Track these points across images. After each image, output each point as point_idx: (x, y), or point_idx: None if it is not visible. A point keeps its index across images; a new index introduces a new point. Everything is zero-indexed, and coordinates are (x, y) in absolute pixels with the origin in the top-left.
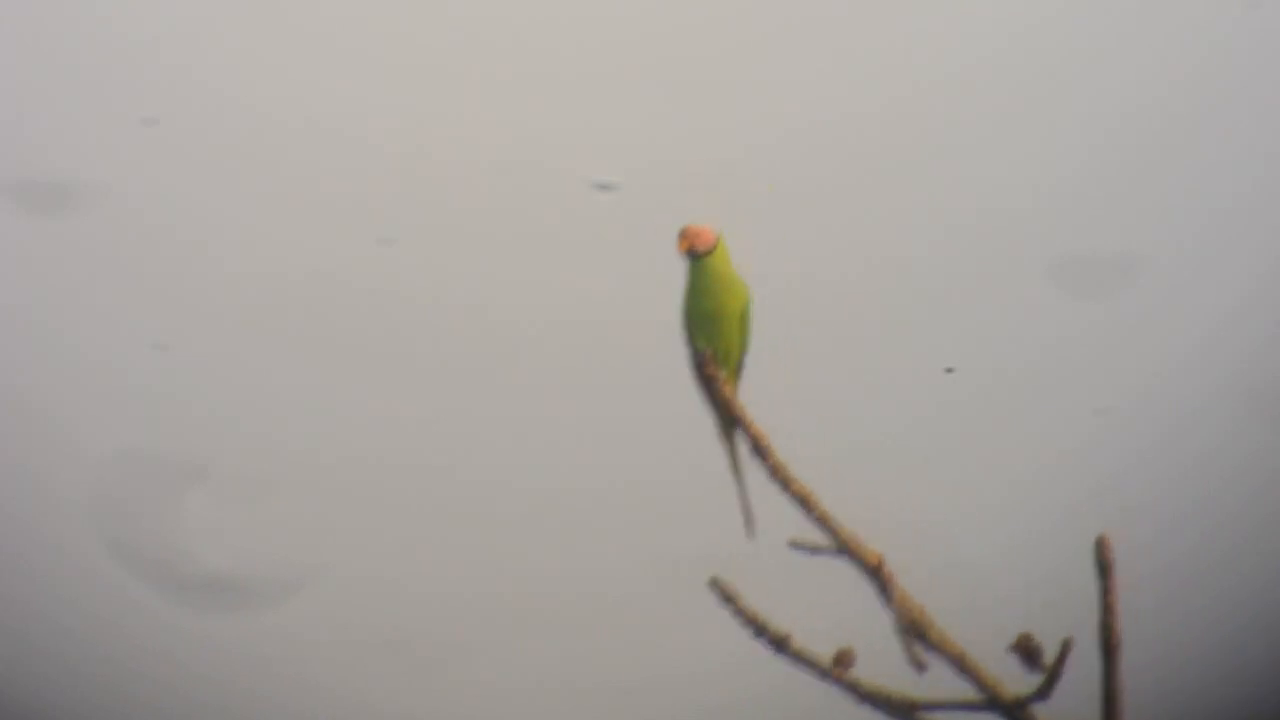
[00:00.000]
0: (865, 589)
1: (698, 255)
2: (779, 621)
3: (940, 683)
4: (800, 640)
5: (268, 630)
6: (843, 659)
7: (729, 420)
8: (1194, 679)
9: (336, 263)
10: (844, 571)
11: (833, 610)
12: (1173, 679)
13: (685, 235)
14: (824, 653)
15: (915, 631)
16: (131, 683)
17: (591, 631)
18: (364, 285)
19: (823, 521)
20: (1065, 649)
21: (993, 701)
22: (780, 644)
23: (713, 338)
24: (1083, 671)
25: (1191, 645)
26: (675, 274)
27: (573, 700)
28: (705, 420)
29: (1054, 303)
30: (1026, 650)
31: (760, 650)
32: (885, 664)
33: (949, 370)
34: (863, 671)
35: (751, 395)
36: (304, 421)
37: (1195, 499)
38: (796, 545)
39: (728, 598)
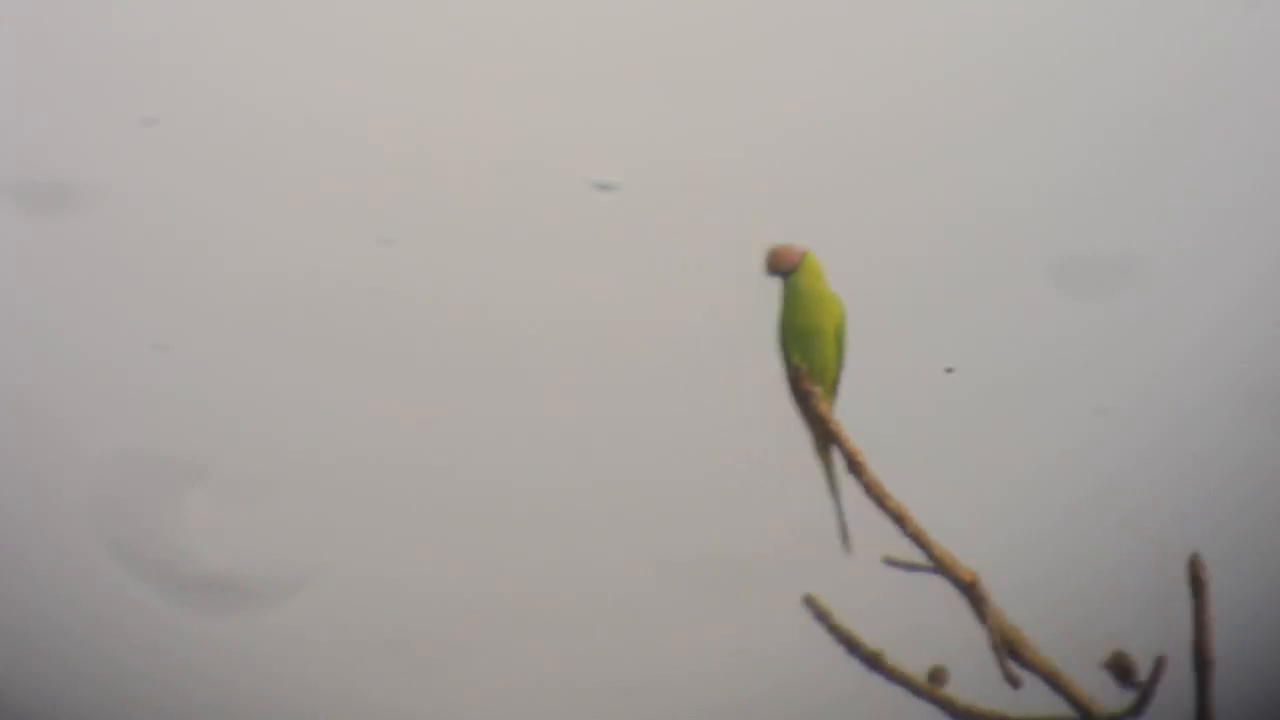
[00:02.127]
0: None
1: (780, 274)
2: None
3: (1031, 698)
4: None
5: (268, 630)
6: (936, 676)
7: (825, 437)
8: (1193, 679)
9: (336, 263)
10: (847, 572)
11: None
12: (1173, 679)
13: (770, 257)
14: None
15: (1009, 648)
16: (131, 683)
17: (591, 631)
18: (364, 285)
19: (917, 538)
20: (1159, 667)
21: (1086, 718)
22: (873, 661)
23: (807, 353)
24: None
25: (1190, 645)
26: (675, 274)
27: (573, 700)
28: (706, 420)
29: (1054, 303)
30: (1120, 667)
31: (758, 651)
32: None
33: (949, 370)
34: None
35: (752, 395)
36: (304, 421)
37: (1195, 499)
38: (891, 562)
39: (821, 614)
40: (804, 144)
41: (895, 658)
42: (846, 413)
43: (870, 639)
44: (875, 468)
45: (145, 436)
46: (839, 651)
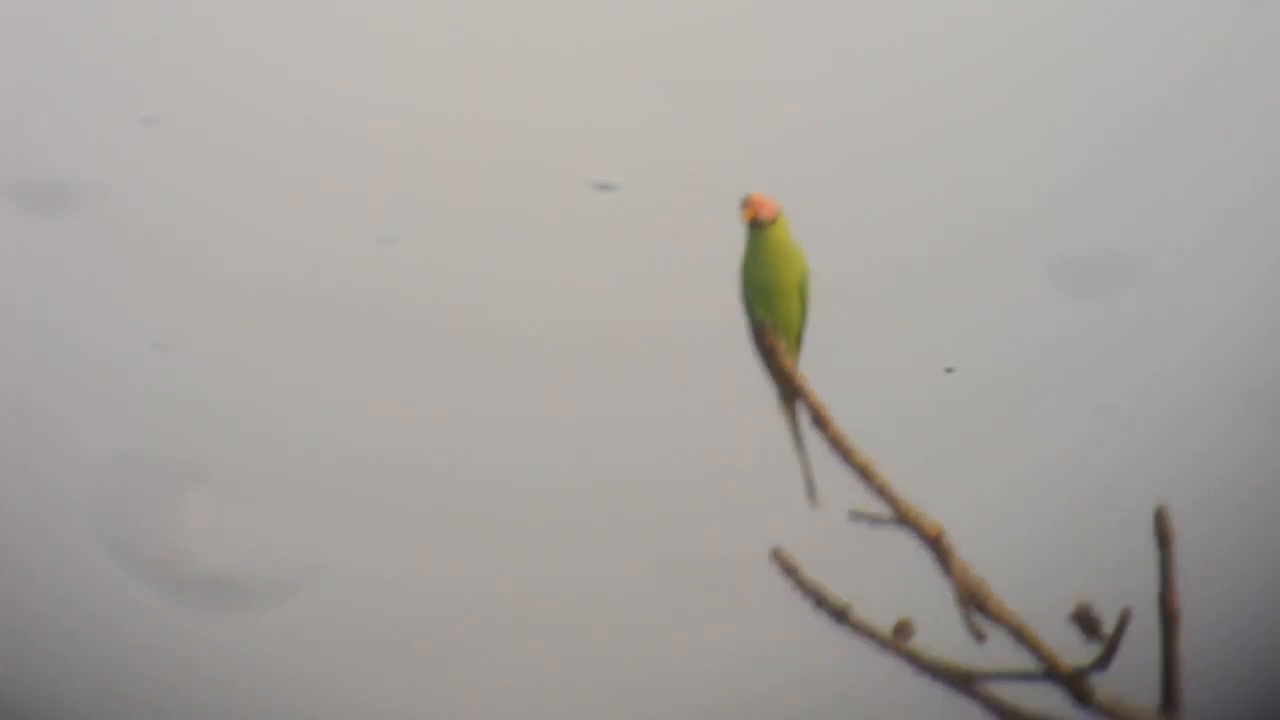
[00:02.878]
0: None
1: (761, 224)
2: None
3: (997, 653)
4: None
5: (268, 630)
6: (902, 630)
7: (789, 391)
8: (1192, 679)
9: (336, 263)
10: (851, 556)
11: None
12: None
13: (749, 204)
14: (880, 623)
15: (974, 602)
16: (131, 683)
17: (591, 631)
18: (364, 285)
19: (882, 492)
20: (1124, 619)
21: (1051, 672)
22: (840, 615)
23: (772, 309)
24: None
25: (1190, 645)
26: (675, 274)
27: (573, 700)
28: (706, 420)
29: (1054, 303)
30: (1085, 621)
31: (758, 651)
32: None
33: (949, 370)
34: (919, 640)
35: (751, 395)
36: (304, 421)
37: (1195, 499)
38: (856, 516)
39: (788, 569)
40: (804, 144)
41: (863, 612)
42: (846, 412)
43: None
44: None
45: (145, 436)
46: (838, 652)
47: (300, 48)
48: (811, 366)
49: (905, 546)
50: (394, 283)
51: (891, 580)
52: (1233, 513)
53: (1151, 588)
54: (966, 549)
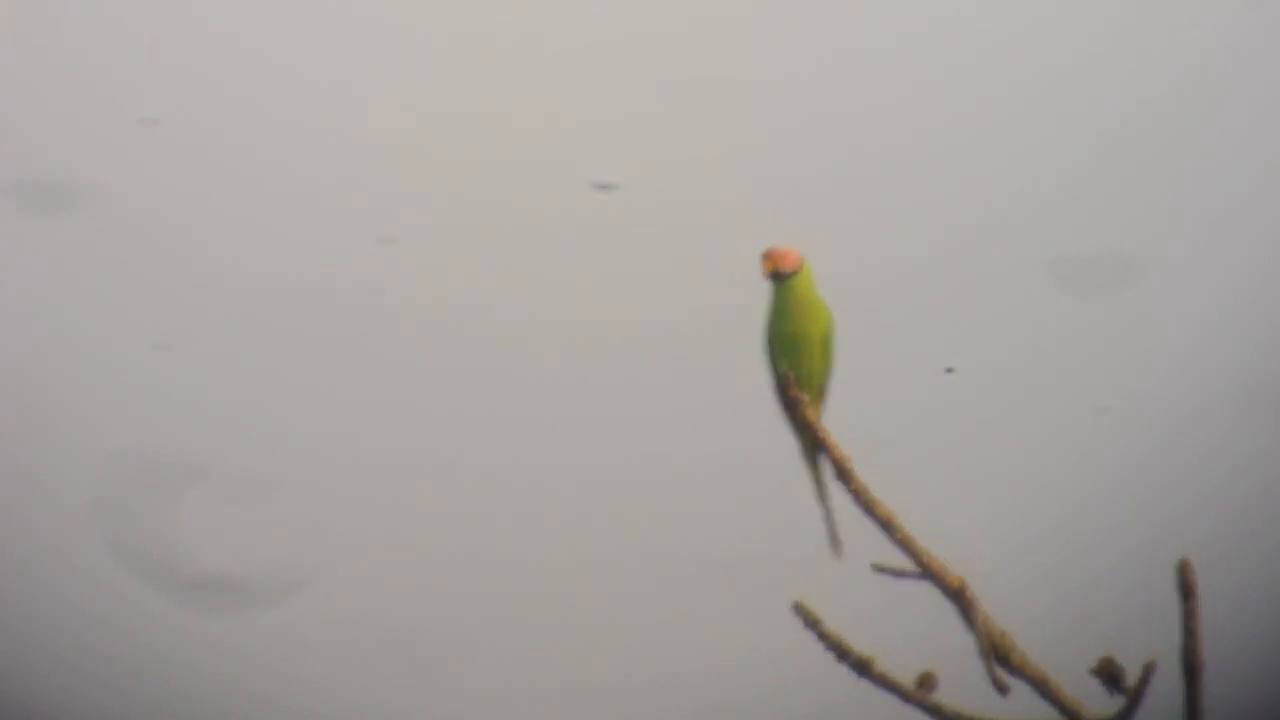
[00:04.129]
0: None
1: (782, 277)
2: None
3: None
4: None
5: (268, 630)
6: (925, 682)
7: (812, 444)
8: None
9: (336, 262)
10: (848, 575)
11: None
12: (1172, 678)
13: (770, 257)
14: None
15: (997, 655)
16: (131, 683)
17: (591, 631)
18: (364, 285)
19: (905, 545)
20: (1148, 672)
21: None
22: (863, 668)
23: (795, 361)
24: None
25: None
26: (675, 274)
27: (573, 700)
28: (706, 420)
29: (1054, 303)
30: (1108, 673)
31: (759, 651)
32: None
33: (949, 370)
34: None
35: (752, 395)
36: (304, 421)
37: (1194, 499)
38: (880, 569)
39: (810, 622)
40: (804, 144)
41: (885, 664)
42: (846, 412)
43: (863, 645)
44: (875, 468)
45: (145, 436)
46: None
47: (300, 47)
48: None
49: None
50: (394, 282)
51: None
52: (1232, 513)
53: (1152, 587)
54: (966, 549)
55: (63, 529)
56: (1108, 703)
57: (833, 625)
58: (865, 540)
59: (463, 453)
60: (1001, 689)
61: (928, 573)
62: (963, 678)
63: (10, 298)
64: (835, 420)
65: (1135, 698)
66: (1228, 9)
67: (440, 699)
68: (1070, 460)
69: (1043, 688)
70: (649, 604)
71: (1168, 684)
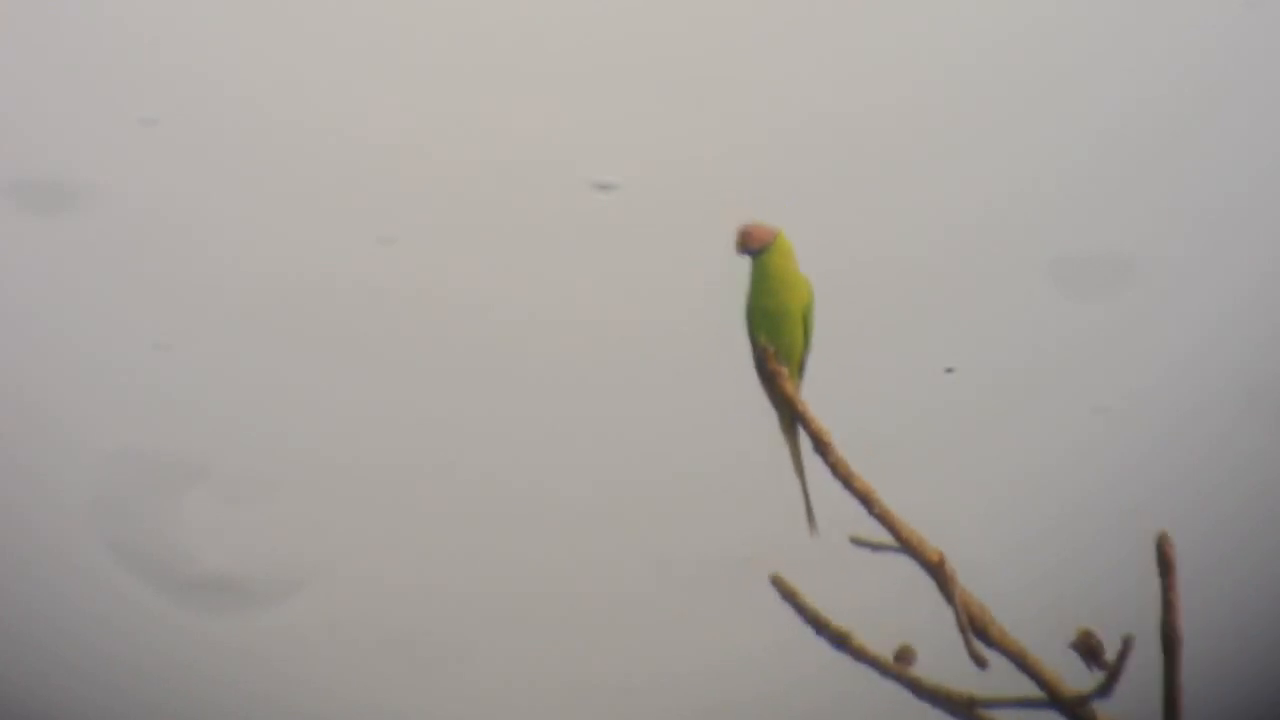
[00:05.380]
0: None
1: (753, 253)
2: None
3: (999, 679)
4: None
5: (268, 630)
6: (903, 656)
7: (791, 417)
8: (1192, 677)
9: (336, 262)
10: (848, 565)
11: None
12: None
13: (739, 234)
14: (880, 648)
15: (976, 629)
16: (131, 683)
17: (591, 631)
18: (364, 285)
19: (884, 519)
20: (1127, 646)
21: (1053, 699)
22: (841, 640)
23: (774, 335)
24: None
25: (1191, 645)
26: (675, 274)
27: (573, 700)
28: (706, 420)
29: (1054, 303)
30: (1087, 648)
31: (759, 651)
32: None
33: (949, 370)
34: (921, 667)
35: (752, 395)
36: (304, 421)
37: (1195, 499)
38: (858, 542)
39: (788, 594)
40: (804, 144)
41: (881, 646)
42: (846, 412)
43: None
44: (875, 468)
45: (145, 436)
46: (838, 652)
47: (300, 47)
48: (812, 367)
49: (908, 570)
50: (394, 282)
51: (892, 603)
52: (1233, 513)
53: (1150, 588)
54: (965, 548)
55: (63, 529)
56: (1089, 679)
57: (839, 619)
58: (871, 524)
59: (463, 453)
60: (980, 663)
61: (906, 547)
62: (943, 653)
63: (10, 298)
64: (835, 420)
65: (1114, 672)
66: (1228, 9)
67: (440, 699)
68: (1070, 460)
69: (1021, 662)
70: (649, 604)
71: (1148, 662)
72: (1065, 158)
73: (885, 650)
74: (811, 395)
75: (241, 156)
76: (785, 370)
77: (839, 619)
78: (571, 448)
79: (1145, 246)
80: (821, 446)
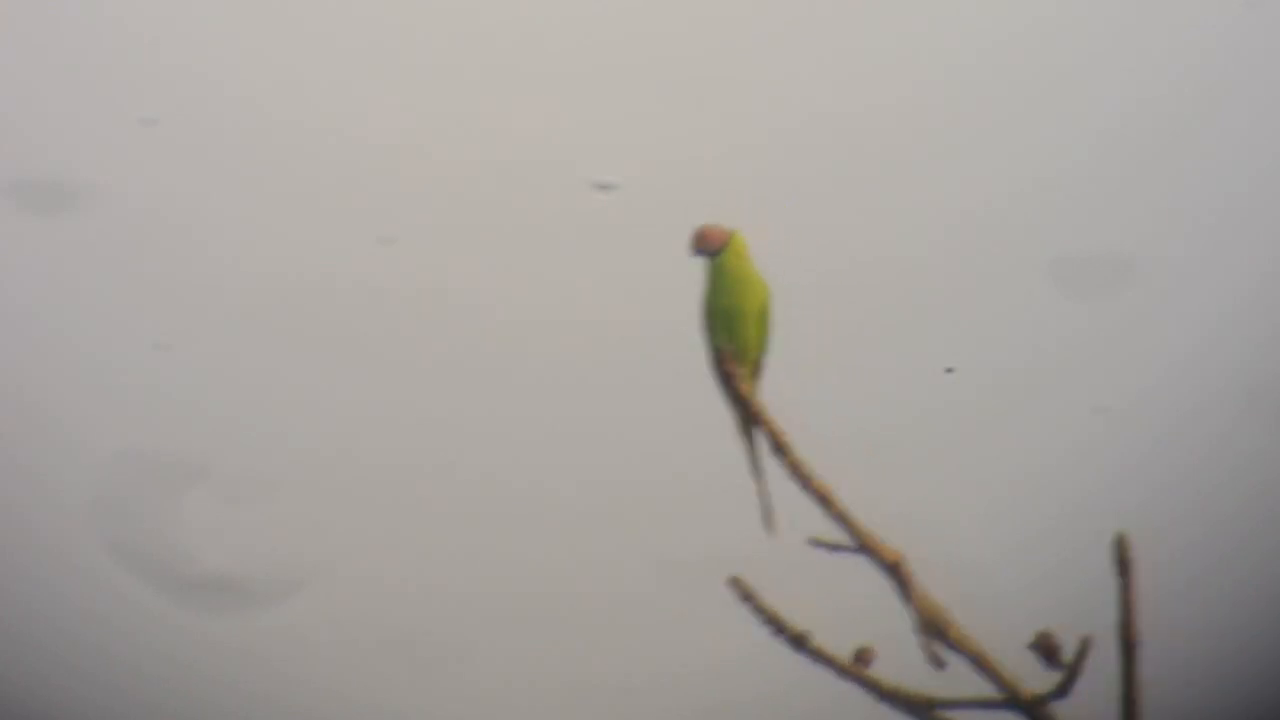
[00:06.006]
0: (878, 586)
1: (707, 254)
2: (792, 619)
3: (958, 680)
4: (815, 638)
5: (268, 630)
6: (862, 656)
7: (747, 418)
8: (1193, 679)
9: (336, 262)
10: (845, 569)
11: (842, 607)
12: (1172, 678)
13: (694, 235)
14: (840, 650)
15: (934, 630)
16: (131, 683)
17: (592, 631)
18: (364, 285)
19: (842, 519)
20: (1085, 647)
21: (1012, 699)
22: (799, 642)
23: (731, 335)
24: (1101, 670)
25: (1191, 645)
26: (675, 274)
27: (573, 700)
28: (706, 420)
29: (1054, 302)
30: (1045, 648)
31: (759, 651)
32: (902, 661)
33: (949, 370)
34: (881, 669)
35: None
36: (305, 421)
37: (1195, 499)
38: (816, 543)
39: (746, 596)
40: (804, 144)
41: (870, 642)
42: (847, 412)
43: (881, 636)
44: (875, 468)
45: (145, 436)
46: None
47: (300, 47)
48: (812, 367)
49: (867, 571)
50: (394, 282)
51: (852, 605)
52: (1233, 513)
53: (1148, 588)
54: (965, 548)
55: (63, 529)
56: (1046, 679)
57: (838, 621)
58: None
59: (463, 453)
60: (938, 664)
61: (864, 547)
62: (904, 654)
63: (10, 298)
64: (836, 418)
65: (1072, 672)
66: (1228, 9)
67: (440, 699)
68: (1070, 460)
69: (980, 662)
70: (649, 604)
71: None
72: (1065, 158)
73: (882, 656)
74: (811, 395)
75: (241, 156)
76: (741, 371)
77: (836, 621)
78: (571, 448)
79: (1145, 246)
80: (779, 447)
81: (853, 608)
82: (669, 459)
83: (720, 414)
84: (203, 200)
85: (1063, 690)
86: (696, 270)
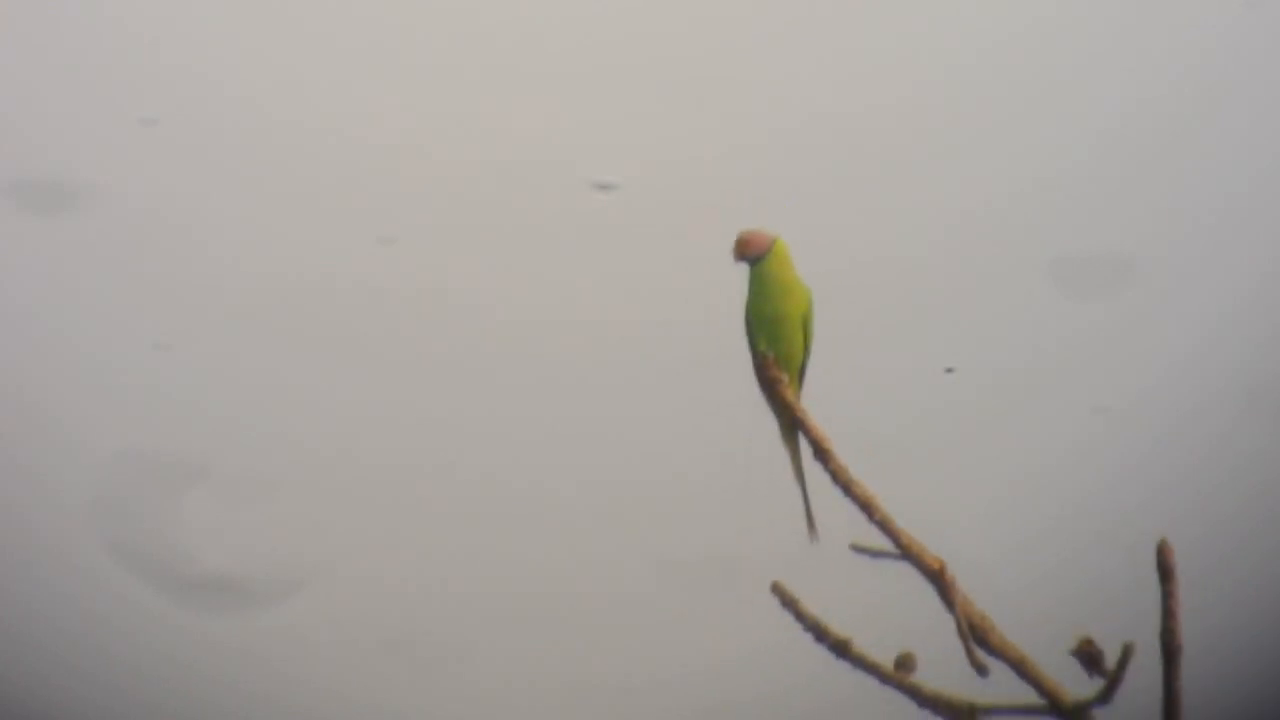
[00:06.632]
0: (878, 586)
1: (750, 260)
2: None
3: (1000, 686)
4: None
5: (268, 630)
6: (904, 663)
7: (791, 423)
8: (1192, 679)
9: (336, 262)
10: (846, 569)
11: (842, 607)
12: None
13: (737, 242)
14: (881, 653)
15: (976, 636)
16: (131, 683)
17: (591, 631)
18: (364, 285)
19: (884, 526)
20: (1127, 654)
21: (1053, 706)
22: (841, 649)
23: (774, 341)
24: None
25: (1191, 645)
26: (675, 274)
27: (573, 700)
28: (706, 420)
29: (1054, 302)
30: (1088, 655)
31: (759, 651)
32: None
33: (949, 370)
34: (922, 675)
35: (752, 394)
36: (305, 421)
37: (1195, 499)
38: (858, 549)
39: (788, 601)
40: (804, 143)
41: (872, 644)
42: (847, 412)
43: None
44: (875, 468)
45: (145, 436)
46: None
47: (300, 47)
48: (813, 367)
49: (868, 572)
50: (394, 282)
51: (852, 605)
52: (1233, 513)
53: (1149, 588)
54: (965, 548)
55: (63, 529)
56: (1089, 685)
57: (839, 623)
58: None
59: (463, 453)
60: (980, 670)
61: (907, 554)
62: (943, 659)
63: (10, 298)
64: (835, 421)
65: (1114, 680)
66: (1228, 9)
67: (440, 699)
68: (1070, 460)
69: (1021, 669)
70: (649, 604)
71: (1149, 668)
72: (1065, 158)
73: (886, 656)
74: (812, 396)
75: (241, 156)
76: (785, 377)
77: (840, 622)
78: (572, 448)
79: (1145, 246)
80: (822, 453)
81: (853, 608)
82: (669, 459)
83: (720, 414)
84: (203, 200)
85: (1105, 697)
86: (696, 270)
